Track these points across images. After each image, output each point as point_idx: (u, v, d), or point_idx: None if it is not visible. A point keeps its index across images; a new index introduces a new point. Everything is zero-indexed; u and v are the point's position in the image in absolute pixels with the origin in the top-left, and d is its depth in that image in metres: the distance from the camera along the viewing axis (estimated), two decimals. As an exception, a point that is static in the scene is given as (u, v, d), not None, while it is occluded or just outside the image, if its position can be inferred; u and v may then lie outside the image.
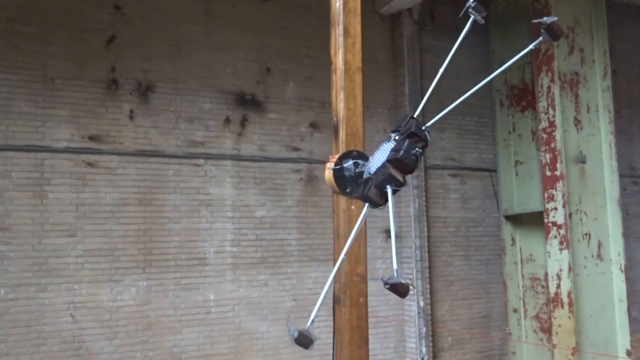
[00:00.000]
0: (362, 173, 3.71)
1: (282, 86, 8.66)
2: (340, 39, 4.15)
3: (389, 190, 2.51)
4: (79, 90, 7.44)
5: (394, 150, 2.52)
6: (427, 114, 9.38)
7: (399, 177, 2.53)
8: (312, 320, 2.38)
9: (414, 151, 2.50)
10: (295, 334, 2.32)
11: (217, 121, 8.18)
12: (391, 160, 2.51)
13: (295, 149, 8.67)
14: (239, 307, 8.02)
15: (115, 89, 7.63)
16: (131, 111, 7.69)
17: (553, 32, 2.49)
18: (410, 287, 2.22)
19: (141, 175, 7.66)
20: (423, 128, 2.58)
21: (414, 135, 2.54)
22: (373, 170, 2.64)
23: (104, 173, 7.47)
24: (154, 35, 7.92)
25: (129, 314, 7.41)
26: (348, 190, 3.73)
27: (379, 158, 2.63)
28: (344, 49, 4.13)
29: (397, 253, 2.48)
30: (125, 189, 7.55)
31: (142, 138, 7.72)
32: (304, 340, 2.32)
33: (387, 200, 2.56)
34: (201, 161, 8.02)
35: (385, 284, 2.23)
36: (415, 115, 2.66)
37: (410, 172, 2.56)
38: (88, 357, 7.09)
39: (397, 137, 2.58)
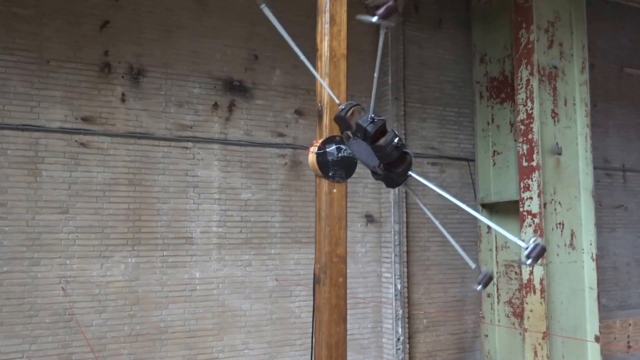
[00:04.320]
0: (344, 158, 4.18)
1: (269, 73, 9.31)
2: (327, 27, 4.29)
3: (411, 174, 2.92)
4: (73, 72, 8.05)
5: (380, 156, 2.80)
6: (409, 103, 10.14)
7: (400, 169, 2.86)
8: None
9: (394, 144, 2.77)
10: (488, 274, 2.56)
11: (206, 106, 8.82)
12: (387, 167, 2.83)
13: (281, 135, 9.32)
14: (223, 286, 8.71)
15: (107, 72, 8.24)
16: (123, 94, 8.30)
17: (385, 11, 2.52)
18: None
19: (131, 156, 8.30)
20: (371, 117, 2.80)
21: (378, 133, 2.79)
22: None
23: (96, 153, 8.10)
24: (146, 20, 8.54)
25: (117, 289, 8.08)
26: (330, 174, 4.20)
27: (367, 158, 2.90)
28: (329, 36, 4.32)
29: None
30: (116, 169, 8.19)
31: (133, 120, 8.35)
32: (487, 280, 2.59)
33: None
34: (189, 144, 8.65)
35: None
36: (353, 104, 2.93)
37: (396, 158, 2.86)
38: (78, 329, 7.69)
39: (358, 136, 2.85)
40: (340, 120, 3.00)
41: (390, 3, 2.49)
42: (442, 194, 2.92)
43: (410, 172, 2.91)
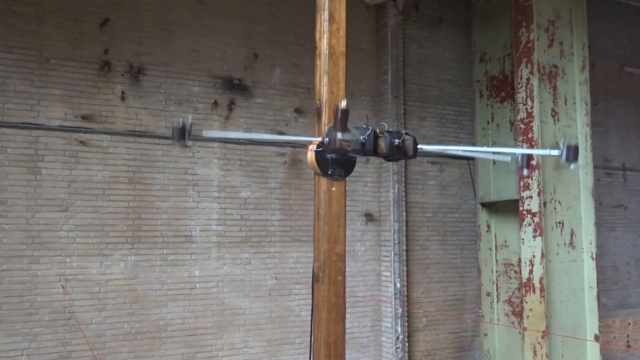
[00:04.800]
0: (343, 156, 4.24)
1: (269, 72, 9.37)
2: (325, 24, 4.31)
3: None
4: (72, 70, 8.11)
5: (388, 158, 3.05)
6: (409, 102, 10.19)
7: (411, 153, 3.21)
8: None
9: (395, 146, 3.05)
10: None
11: (206, 104, 8.88)
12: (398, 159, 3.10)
13: (280, 134, 9.37)
14: (222, 284, 8.78)
15: (107, 70, 8.29)
16: (123, 92, 8.36)
17: None
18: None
19: (131, 154, 8.36)
20: (362, 139, 3.09)
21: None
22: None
23: (96, 151, 8.16)
24: (146, 19, 8.59)
25: (117, 287, 8.14)
26: (329, 172, 4.24)
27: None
28: (328, 34, 4.29)
29: None
30: (115, 167, 8.25)
31: (133, 119, 8.41)
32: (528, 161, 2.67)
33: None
34: (189, 142, 8.65)
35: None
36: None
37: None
38: (77, 327, 7.76)
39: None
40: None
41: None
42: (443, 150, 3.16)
43: (419, 146, 3.06)
